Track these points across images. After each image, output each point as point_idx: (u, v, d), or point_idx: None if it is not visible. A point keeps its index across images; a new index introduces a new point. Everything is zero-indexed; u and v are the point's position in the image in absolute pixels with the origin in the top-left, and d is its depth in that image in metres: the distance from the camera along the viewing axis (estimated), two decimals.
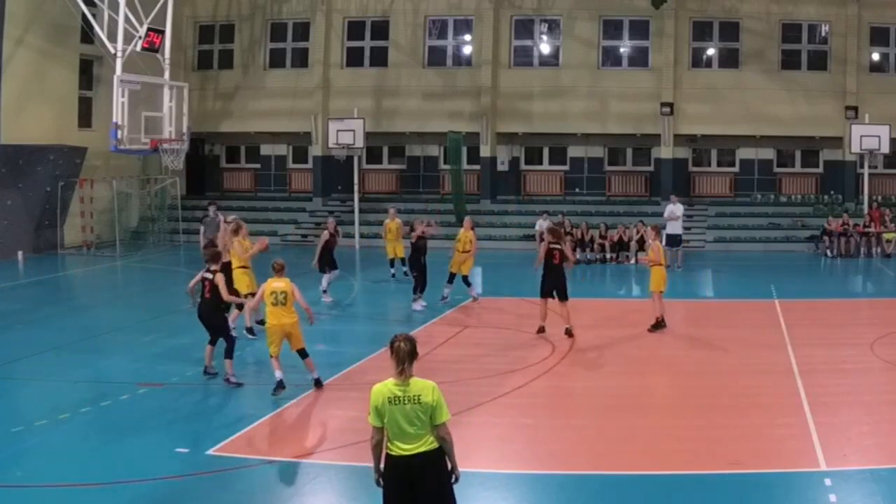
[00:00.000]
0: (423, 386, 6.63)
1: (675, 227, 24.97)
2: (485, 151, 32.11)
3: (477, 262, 26.45)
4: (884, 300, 20.66)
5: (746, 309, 19.11)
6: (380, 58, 33.03)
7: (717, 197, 32.08)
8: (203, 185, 34.71)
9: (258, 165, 35.11)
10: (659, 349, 15.40)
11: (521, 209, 31.67)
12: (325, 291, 19.53)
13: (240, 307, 14.70)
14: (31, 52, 27.00)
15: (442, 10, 32.69)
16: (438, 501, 6.66)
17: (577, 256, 26.65)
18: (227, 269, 15.08)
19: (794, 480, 9.08)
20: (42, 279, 24.53)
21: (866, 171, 28.81)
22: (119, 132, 23.67)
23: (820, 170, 31.95)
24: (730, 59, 31.46)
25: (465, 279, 19.61)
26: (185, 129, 26.97)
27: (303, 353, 12.46)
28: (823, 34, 31.13)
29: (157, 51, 25.57)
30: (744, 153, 32.22)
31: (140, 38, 24.62)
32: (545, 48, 32.77)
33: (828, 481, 8.94)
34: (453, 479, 6.76)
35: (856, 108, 29.75)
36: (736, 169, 32.40)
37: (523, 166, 33.62)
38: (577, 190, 32.97)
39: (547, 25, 32.70)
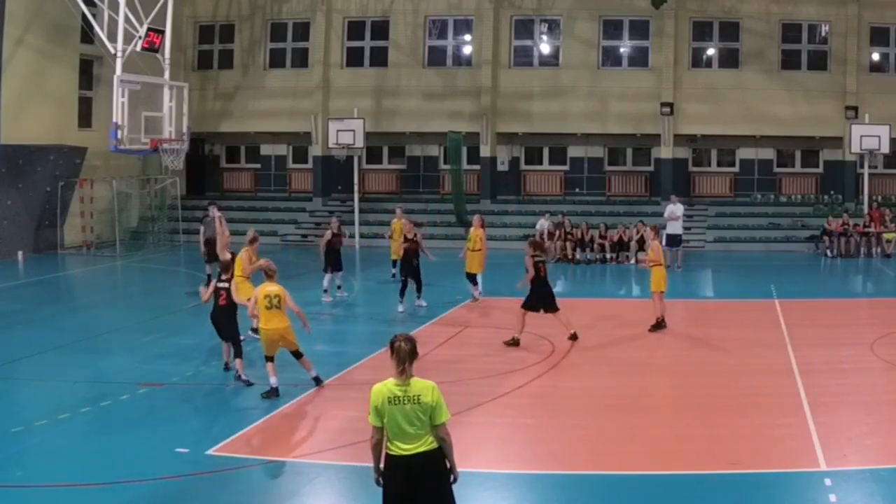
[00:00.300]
0: (423, 386, 6.63)
1: (675, 227, 24.98)
2: (485, 151, 32.11)
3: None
4: (884, 300, 20.64)
5: (746, 309, 19.10)
6: (380, 58, 33.03)
7: (717, 197, 32.08)
8: (203, 185, 34.72)
9: (258, 165, 35.12)
10: (659, 349, 15.41)
11: (521, 209, 31.67)
12: (325, 291, 19.53)
13: None
14: (31, 52, 27.00)
15: (442, 10, 32.70)
16: (438, 501, 6.65)
17: (578, 256, 26.81)
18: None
19: (794, 480, 9.08)
20: (42, 279, 24.53)
21: (866, 171, 28.81)
22: (119, 132, 23.67)
23: (820, 170, 31.96)
24: (730, 59, 31.47)
25: (473, 277, 19.63)
26: (185, 129, 26.96)
27: (297, 355, 12.48)
28: (823, 34, 31.14)
29: (157, 51, 25.56)
30: (744, 153, 32.22)
31: (140, 38, 24.62)
32: (545, 48, 32.78)
33: (828, 481, 8.94)
34: (452, 480, 6.76)
35: (856, 108, 29.75)
36: (736, 169, 32.40)
37: (523, 166, 33.62)
38: (577, 190, 32.97)
39: (547, 25, 32.71)
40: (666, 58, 30.96)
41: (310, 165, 33.80)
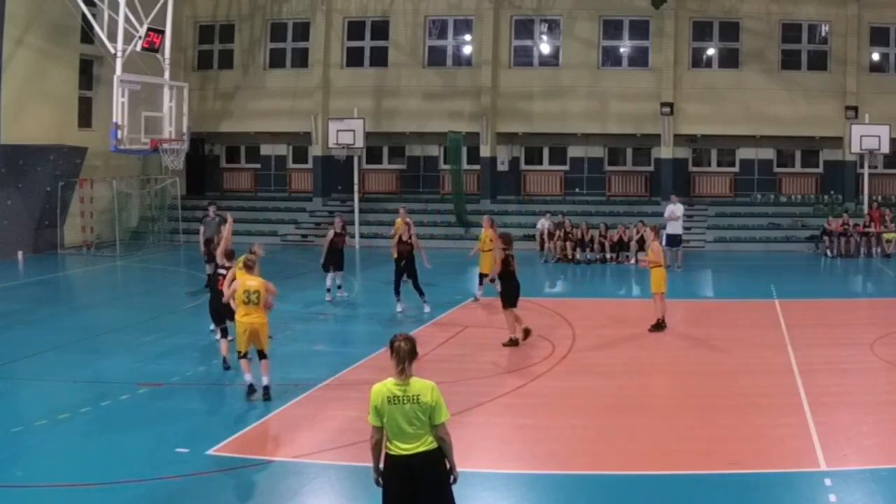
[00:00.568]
0: (422, 386, 6.63)
1: (675, 227, 24.97)
2: (485, 151, 32.11)
3: (477, 262, 26.58)
4: (884, 300, 20.65)
5: (746, 309, 19.10)
6: (380, 58, 33.03)
7: (717, 197, 32.08)
8: (203, 185, 34.72)
9: (258, 165, 35.12)
10: (659, 349, 15.41)
11: (521, 209, 31.67)
12: (328, 290, 19.52)
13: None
14: (31, 52, 27.00)
15: (442, 10, 32.70)
16: (438, 501, 6.65)
17: (578, 256, 26.81)
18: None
19: (794, 480, 9.08)
20: (42, 279, 24.53)
21: (866, 171, 28.81)
22: (119, 132, 23.67)
23: (820, 170, 31.96)
24: (730, 59, 31.47)
25: (482, 276, 19.69)
26: (185, 129, 26.96)
27: (262, 355, 12.16)
28: (823, 34, 31.14)
29: (157, 51, 25.56)
30: (744, 153, 32.22)
31: (140, 38, 24.62)
32: (545, 48, 32.78)
33: (828, 481, 8.94)
34: (452, 480, 6.76)
35: (856, 108, 29.75)
36: (736, 169, 32.40)
37: (523, 166, 33.62)
38: (577, 190, 32.97)
39: (547, 25, 32.70)
40: (666, 58, 30.96)
41: (310, 165, 33.80)
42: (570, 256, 26.76)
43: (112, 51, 24.25)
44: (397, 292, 18.31)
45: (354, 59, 33.22)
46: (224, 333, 13.79)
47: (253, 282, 12.10)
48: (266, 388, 12.01)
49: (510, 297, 15.34)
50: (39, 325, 17.76)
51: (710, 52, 31.91)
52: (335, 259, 19.43)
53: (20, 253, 26.52)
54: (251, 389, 11.95)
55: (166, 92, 26.01)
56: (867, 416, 11.09)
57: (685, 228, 26.37)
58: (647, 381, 13.67)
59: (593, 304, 20.21)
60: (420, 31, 32.64)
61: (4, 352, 14.98)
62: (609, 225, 27.79)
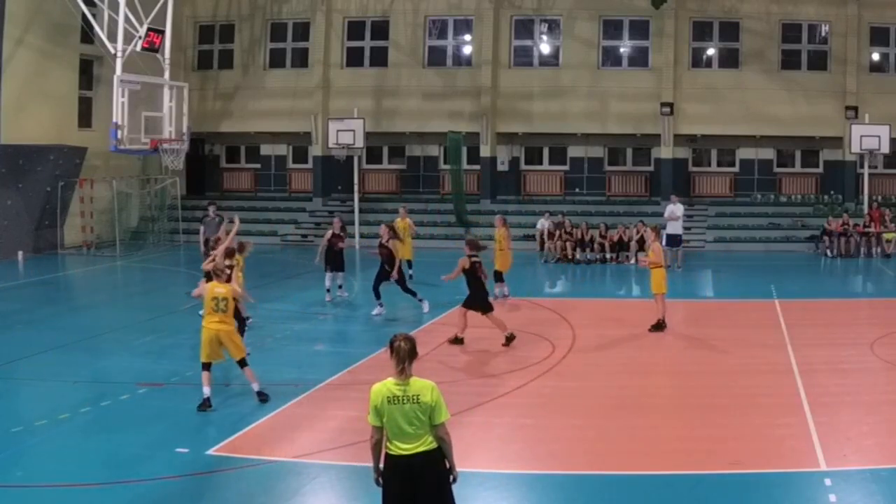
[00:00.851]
0: (422, 386, 6.63)
1: (675, 228, 24.97)
2: (485, 151, 32.11)
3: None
4: (884, 300, 20.64)
5: (746, 309, 19.10)
6: (380, 58, 33.04)
7: (717, 197, 32.08)
8: (203, 185, 34.72)
9: (258, 165, 35.12)
10: (659, 349, 15.41)
11: (521, 209, 31.66)
12: (328, 290, 19.50)
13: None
14: (31, 52, 27.00)
15: (442, 10, 32.70)
16: (438, 501, 6.65)
17: (578, 256, 26.80)
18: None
19: (794, 480, 9.08)
20: (42, 279, 24.52)
21: (866, 171, 28.81)
22: (119, 132, 23.67)
23: (820, 170, 31.97)
24: (730, 59, 31.47)
25: (500, 275, 19.69)
26: (185, 129, 26.96)
27: (242, 363, 11.96)
28: (823, 34, 31.14)
29: (157, 51, 25.56)
30: (744, 153, 32.22)
31: (140, 38, 24.62)
32: (545, 48, 32.78)
33: (828, 481, 8.94)
34: (452, 480, 6.76)
35: (856, 108, 29.76)
36: (736, 169, 32.41)
37: (523, 166, 33.62)
38: (577, 190, 32.97)
39: (547, 25, 32.71)
40: (666, 58, 30.96)
41: (310, 165, 33.81)
42: (570, 256, 26.77)
43: (112, 51, 24.26)
44: (377, 295, 17.94)
45: (354, 59, 33.23)
46: None
47: (221, 289, 11.87)
48: (259, 394, 11.87)
49: (473, 301, 15.22)
50: (39, 325, 17.76)
51: (710, 52, 31.92)
52: (333, 260, 19.36)
53: (20, 253, 26.52)
54: (206, 403, 11.60)
55: (166, 92, 26.02)
56: (867, 416, 11.09)
57: (685, 228, 26.37)
58: (647, 381, 13.66)
59: (593, 304, 20.21)
60: (420, 31, 32.65)
61: (4, 352, 14.97)
62: (609, 225, 27.79)
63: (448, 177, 31.74)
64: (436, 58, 32.98)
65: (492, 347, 15.30)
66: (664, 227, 24.57)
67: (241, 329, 14.62)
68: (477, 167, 32.31)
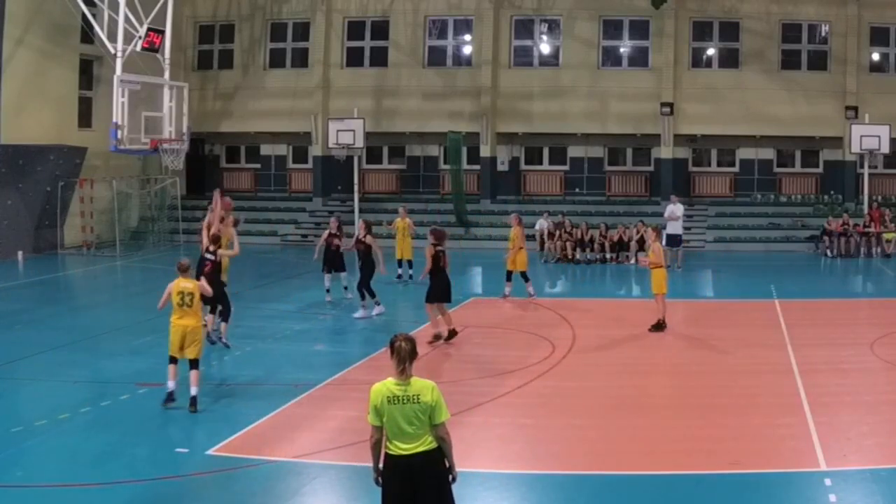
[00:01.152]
0: (422, 386, 6.63)
1: (675, 228, 24.96)
2: (485, 151, 32.11)
3: (477, 261, 26.61)
4: (884, 300, 20.64)
5: (746, 309, 19.10)
6: (380, 58, 33.04)
7: (717, 197, 32.08)
8: (203, 185, 34.63)
9: (258, 165, 35.13)
10: (659, 349, 15.40)
11: (521, 209, 31.42)
12: (327, 291, 19.48)
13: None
14: (31, 52, 27.00)
15: (442, 10, 32.70)
16: (437, 501, 6.65)
17: (578, 256, 26.81)
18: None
19: (794, 480, 9.08)
20: (42, 279, 24.52)
21: (866, 171, 28.81)
22: (119, 132, 23.66)
23: (820, 170, 31.96)
24: (730, 59, 31.47)
25: (523, 274, 19.72)
26: (185, 129, 26.96)
27: (194, 364, 11.81)
28: (823, 34, 31.14)
29: (157, 51, 25.56)
30: (744, 153, 32.22)
31: (140, 38, 24.61)
32: (545, 48, 32.78)
33: (828, 481, 8.94)
34: (451, 479, 6.76)
35: (856, 108, 29.76)
36: (736, 169, 32.41)
37: (523, 166, 33.62)
38: (577, 190, 32.97)
39: (547, 25, 32.71)
40: (666, 58, 30.96)
41: (310, 165, 33.81)
42: (570, 256, 26.76)
43: (112, 51, 24.25)
44: (371, 294, 17.87)
45: (354, 59, 33.23)
46: (214, 311, 14.80)
47: (187, 283, 11.90)
48: (193, 399, 11.54)
49: (436, 293, 15.26)
50: (39, 325, 17.76)
51: (710, 52, 31.92)
52: (331, 260, 19.30)
53: (20, 253, 26.52)
54: (170, 397, 11.61)
55: (166, 92, 26.01)
56: (867, 416, 11.09)
57: (685, 228, 26.37)
58: (647, 381, 13.67)
59: (593, 304, 20.20)
60: (420, 31, 32.65)
61: (4, 352, 14.98)
62: (609, 225, 27.79)
63: (448, 177, 31.74)
64: (436, 58, 32.98)
65: (492, 347, 15.31)
66: (664, 227, 24.58)
67: (227, 314, 14.91)
68: (477, 167, 32.31)
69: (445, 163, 32.35)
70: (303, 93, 32.65)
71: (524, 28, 32.62)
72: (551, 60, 32.57)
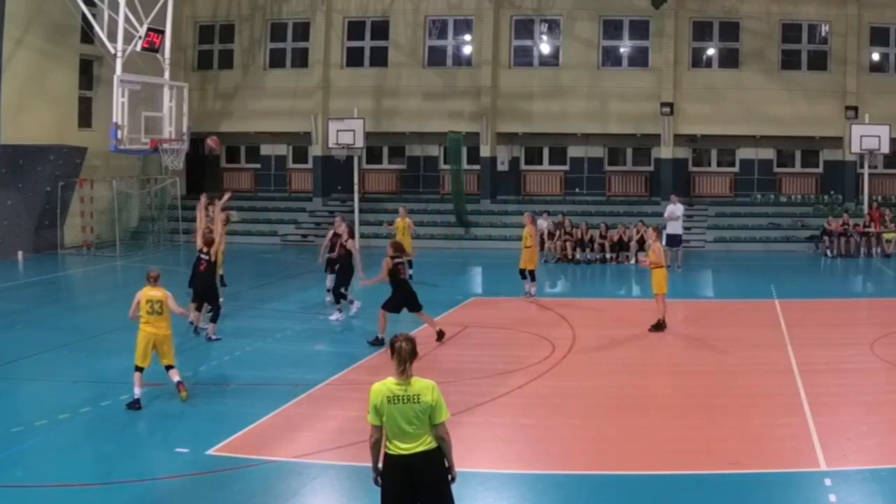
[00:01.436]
0: (422, 385, 6.63)
1: (675, 227, 24.95)
2: (485, 151, 32.11)
3: (477, 261, 26.65)
4: (884, 300, 20.64)
5: (746, 309, 19.10)
6: (380, 58, 33.03)
7: (717, 197, 32.07)
8: (203, 185, 34.57)
9: (258, 165, 35.12)
10: (659, 349, 15.41)
11: (521, 209, 31.54)
12: (328, 290, 19.45)
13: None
14: (31, 52, 26.99)
15: (442, 10, 32.69)
16: (437, 501, 6.66)
17: (578, 256, 26.80)
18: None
19: (794, 480, 9.08)
20: (42, 279, 24.52)
21: (866, 171, 28.80)
22: (119, 132, 23.65)
23: (820, 170, 31.96)
24: (730, 59, 31.46)
25: (531, 273, 19.73)
26: (185, 129, 26.95)
27: (169, 367, 11.98)
28: (823, 34, 31.14)
29: (157, 51, 25.54)
30: (744, 153, 32.22)
31: (140, 38, 24.59)
32: (545, 48, 32.77)
33: (828, 481, 8.94)
34: (450, 479, 6.76)
35: (856, 108, 29.75)
36: (736, 169, 32.40)
37: (523, 166, 33.61)
38: (577, 190, 32.96)
39: (547, 25, 32.70)
40: (666, 58, 30.96)
41: (310, 165, 33.80)
42: (570, 256, 26.76)
43: (112, 51, 24.23)
44: (343, 297, 17.83)
45: (354, 59, 33.22)
46: (199, 308, 15.67)
47: (155, 292, 11.90)
48: (179, 383, 11.93)
49: (393, 302, 15.27)
50: (39, 325, 17.76)
51: (710, 52, 31.91)
52: (334, 260, 19.22)
53: (20, 253, 26.52)
54: (136, 403, 11.61)
55: (166, 92, 25.99)
56: (867, 416, 11.09)
57: (685, 228, 26.35)
58: (647, 381, 13.67)
59: (593, 304, 20.19)
60: (420, 31, 32.64)
61: (4, 352, 14.98)
62: (609, 225, 27.78)
63: (448, 177, 31.73)
64: (436, 58, 32.97)
65: (492, 347, 15.31)
66: (664, 227, 24.60)
67: (216, 315, 15.21)
68: (477, 167, 32.31)
69: (445, 163, 32.34)
70: (303, 93, 32.65)
71: (524, 28, 32.62)
72: (551, 60, 32.57)
